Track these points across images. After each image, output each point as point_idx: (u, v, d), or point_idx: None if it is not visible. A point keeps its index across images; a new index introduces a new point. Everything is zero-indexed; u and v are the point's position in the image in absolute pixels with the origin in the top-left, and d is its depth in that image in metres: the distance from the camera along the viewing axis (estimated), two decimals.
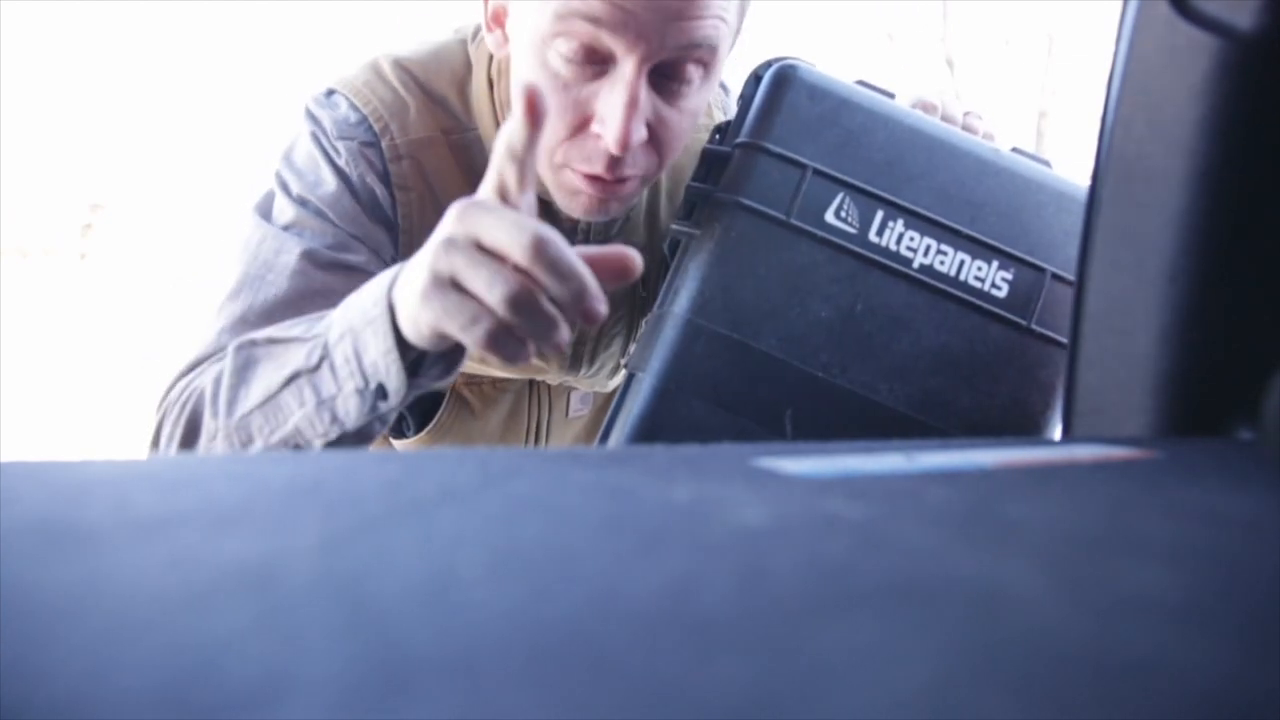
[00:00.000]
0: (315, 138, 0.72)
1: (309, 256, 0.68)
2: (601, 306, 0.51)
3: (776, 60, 0.70)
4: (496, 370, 0.84)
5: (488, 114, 0.75)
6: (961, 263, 0.67)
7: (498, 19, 0.69)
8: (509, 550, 0.21)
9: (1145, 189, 0.51)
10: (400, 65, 0.74)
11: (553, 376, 0.88)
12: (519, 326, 0.50)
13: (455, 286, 0.51)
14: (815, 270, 0.66)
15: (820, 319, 0.66)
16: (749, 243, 0.66)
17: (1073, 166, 0.71)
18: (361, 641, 0.15)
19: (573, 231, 0.79)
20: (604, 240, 0.81)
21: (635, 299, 0.84)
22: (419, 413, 0.88)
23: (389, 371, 0.56)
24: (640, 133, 0.64)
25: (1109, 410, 0.54)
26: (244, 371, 0.62)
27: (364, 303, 0.57)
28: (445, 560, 0.20)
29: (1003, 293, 0.68)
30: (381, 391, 0.57)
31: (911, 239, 0.67)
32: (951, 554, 0.23)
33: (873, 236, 0.67)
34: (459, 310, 0.51)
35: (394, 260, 0.75)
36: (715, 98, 0.87)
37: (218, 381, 0.63)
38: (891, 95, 0.69)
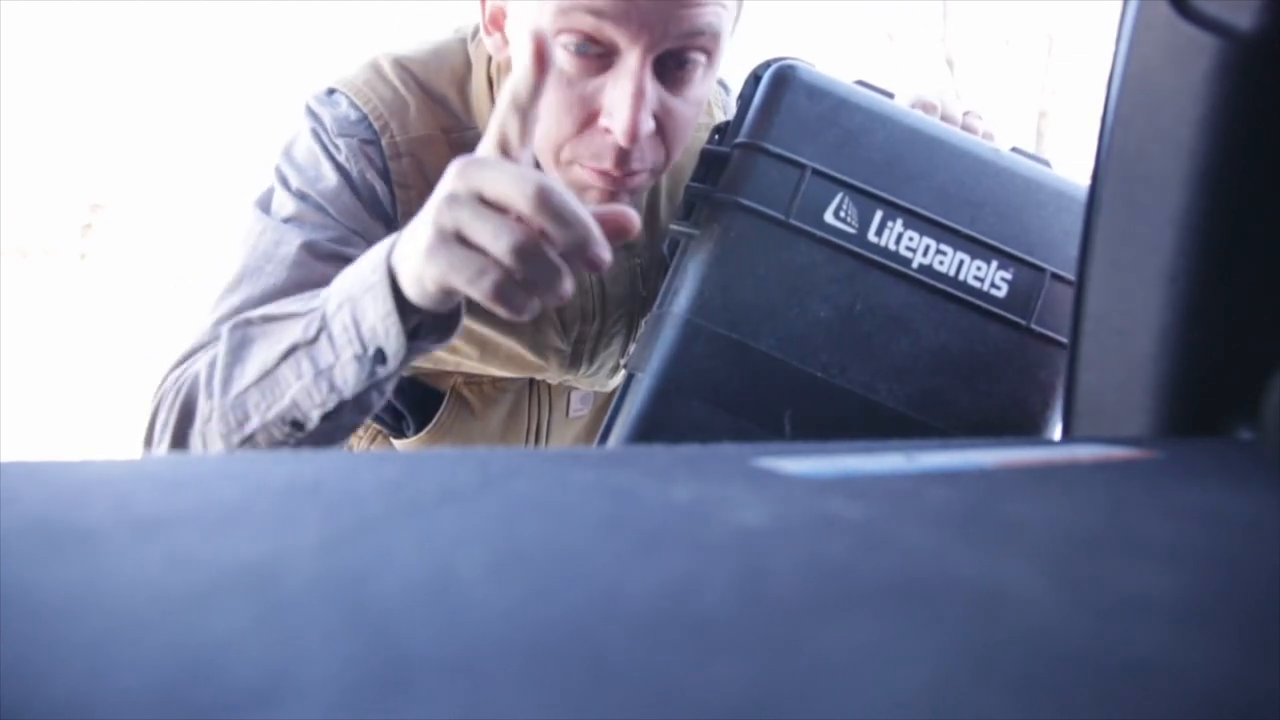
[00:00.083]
0: (316, 134, 0.72)
1: (308, 248, 0.68)
2: (605, 253, 0.51)
3: (775, 60, 0.70)
4: (496, 370, 0.84)
5: (487, 113, 0.75)
6: (961, 262, 0.67)
7: (496, 21, 0.69)
8: (509, 550, 0.21)
9: (1145, 189, 0.51)
10: (400, 64, 0.74)
11: (553, 376, 0.88)
12: (525, 277, 0.51)
13: (460, 240, 0.52)
14: (814, 270, 0.66)
15: (819, 319, 0.66)
16: (748, 243, 0.66)
17: (1073, 166, 0.71)
18: (361, 641, 0.15)
19: None
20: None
21: (636, 298, 0.84)
22: (419, 413, 0.88)
23: (388, 334, 0.56)
24: (648, 124, 0.64)
25: (1109, 410, 0.54)
26: (239, 350, 0.62)
27: (362, 271, 0.58)
28: (445, 560, 0.20)
29: (1002, 292, 0.68)
30: (380, 356, 0.58)
31: (911, 239, 0.67)
32: (951, 554, 0.23)
33: (872, 236, 0.67)
34: (465, 263, 0.51)
35: None
36: (716, 97, 0.87)
37: (212, 363, 0.63)
38: (891, 95, 0.69)
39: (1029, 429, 0.69)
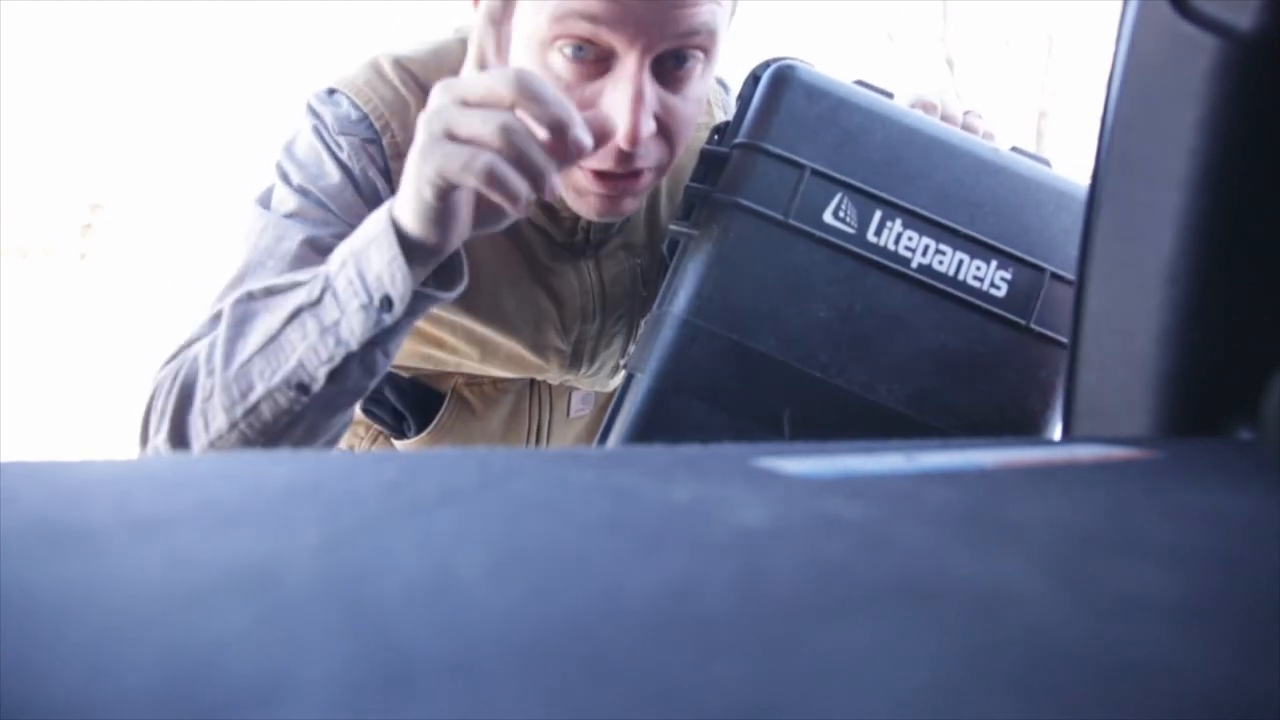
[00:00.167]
0: (317, 131, 0.72)
1: (310, 243, 0.68)
2: (586, 137, 0.55)
3: (775, 60, 0.70)
4: (497, 370, 0.84)
5: None
6: (960, 262, 0.67)
7: None
8: (509, 550, 0.21)
9: (1145, 189, 0.51)
10: (400, 64, 0.74)
11: (553, 376, 0.88)
12: (514, 156, 0.53)
13: (451, 138, 0.55)
14: (813, 270, 0.66)
15: (818, 319, 0.66)
16: (747, 243, 0.66)
17: (1073, 166, 0.71)
18: (361, 641, 0.15)
19: (573, 232, 0.79)
20: (604, 238, 0.81)
21: (636, 298, 0.84)
22: (420, 414, 0.88)
23: (394, 279, 0.58)
24: (649, 125, 0.64)
25: (1109, 410, 0.54)
26: (242, 325, 0.63)
27: (363, 230, 0.60)
28: (445, 560, 0.20)
29: (1002, 292, 0.68)
30: (386, 303, 0.59)
31: (910, 239, 0.67)
32: (951, 554, 0.23)
33: (871, 236, 0.67)
34: (457, 153, 0.54)
35: None
36: (716, 96, 0.87)
37: (213, 341, 0.63)
38: (890, 95, 0.69)
39: (1028, 429, 0.69)
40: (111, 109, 7.50)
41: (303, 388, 0.61)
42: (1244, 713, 0.15)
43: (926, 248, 0.67)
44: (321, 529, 0.21)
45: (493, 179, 0.53)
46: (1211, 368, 0.51)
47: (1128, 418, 0.53)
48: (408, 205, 0.58)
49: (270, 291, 0.63)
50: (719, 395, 0.65)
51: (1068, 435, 0.57)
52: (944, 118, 0.72)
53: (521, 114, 0.54)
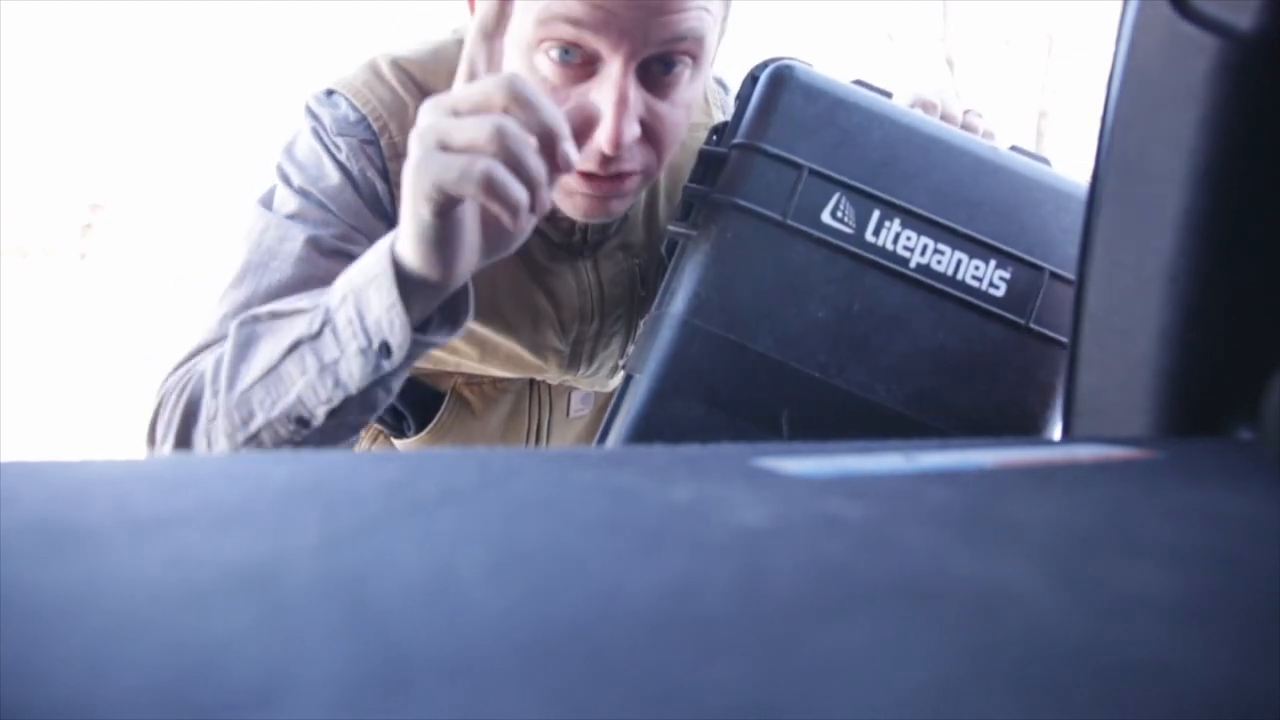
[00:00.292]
0: (316, 133, 0.72)
1: (313, 243, 0.68)
2: (574, 152, 0.54)
3: (773, 60, 0.70)
4: (496, 370, 0.84)
5: None
6: (959, 262, 0.67)
7: None
8: (509, 550, 0.21)
9: (1145, 189, 0.51)
10: (398, 65, 0.74)
11: (552, 376, 0.88)
12: (510, 162, 0.52)
13: (445, 149, 0.53)
14: (812, 271, 0.66)
15: (817, 319, 0.66)
16: (745, 244, 0.66)
17: (1073, 166, 0.71)
18: (361, 641, 0.15)
19: (570, 232, 0.79)
20: (602, 239, 0.81)
21: (634, 299, 0.84)
22: (419, 413, 0.88)
23: (392, 326, 0.56)
24: (633, 130, 0.64)
25: (1109, 410, 0.54)
26: (245, 347, 0.62)
27: (365, 264, 0.59)
28: (445, 560, 0.20)
29: (1000, 292, 0.68)
30: (385, 349, 0.58)
31: (908, 238, 0.67)
32: (951, 554, 0.23)
33: (869, 236, 0.67)
34: (453, 163, 0.52)
35: None
36: (715, 97, 0.87)
37: (219, 360, 0.63)
38: (888, 95, 0.69)
39: (1027, 428, 0.69)
40: (111, 109, 7.50)
41: (302, 421, 0.61)
42: (1244, 713, 0.15)
43: (925, 247, 0.67)
44: (321, 529, 0.21)
45: (491, 186, 0.52)
46: (1211, 368, 0.51)
47: (1128, 418, 0.53)
48: (408, 231, 0.56)
49: (275, 315, 0.62)
50: (717, 396, 0.65)
51: (1068, 435, 0.57)
52: (943, 117, 0.72)
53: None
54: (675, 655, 0.16)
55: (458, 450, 0.36)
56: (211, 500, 0.23)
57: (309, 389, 0.60)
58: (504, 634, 0.16)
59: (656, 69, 0.64)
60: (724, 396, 0.65)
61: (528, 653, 0.15)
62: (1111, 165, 0.53)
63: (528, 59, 0.64)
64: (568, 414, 0.93)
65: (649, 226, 0.83)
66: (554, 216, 0.77)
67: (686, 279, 0.66)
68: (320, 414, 0.60)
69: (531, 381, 0.90)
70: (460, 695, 0.14)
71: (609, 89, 0.62)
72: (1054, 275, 0.68)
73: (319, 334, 0.59)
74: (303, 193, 0.71)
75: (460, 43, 0.77)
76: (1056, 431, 0.68)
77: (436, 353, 0.81)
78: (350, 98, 0.73)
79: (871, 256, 0.66)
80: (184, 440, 0.64)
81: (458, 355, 0.81)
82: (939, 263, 0.67)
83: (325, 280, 0.67)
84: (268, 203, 0.72)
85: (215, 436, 0.63)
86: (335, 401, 0.60)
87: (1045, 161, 0.70)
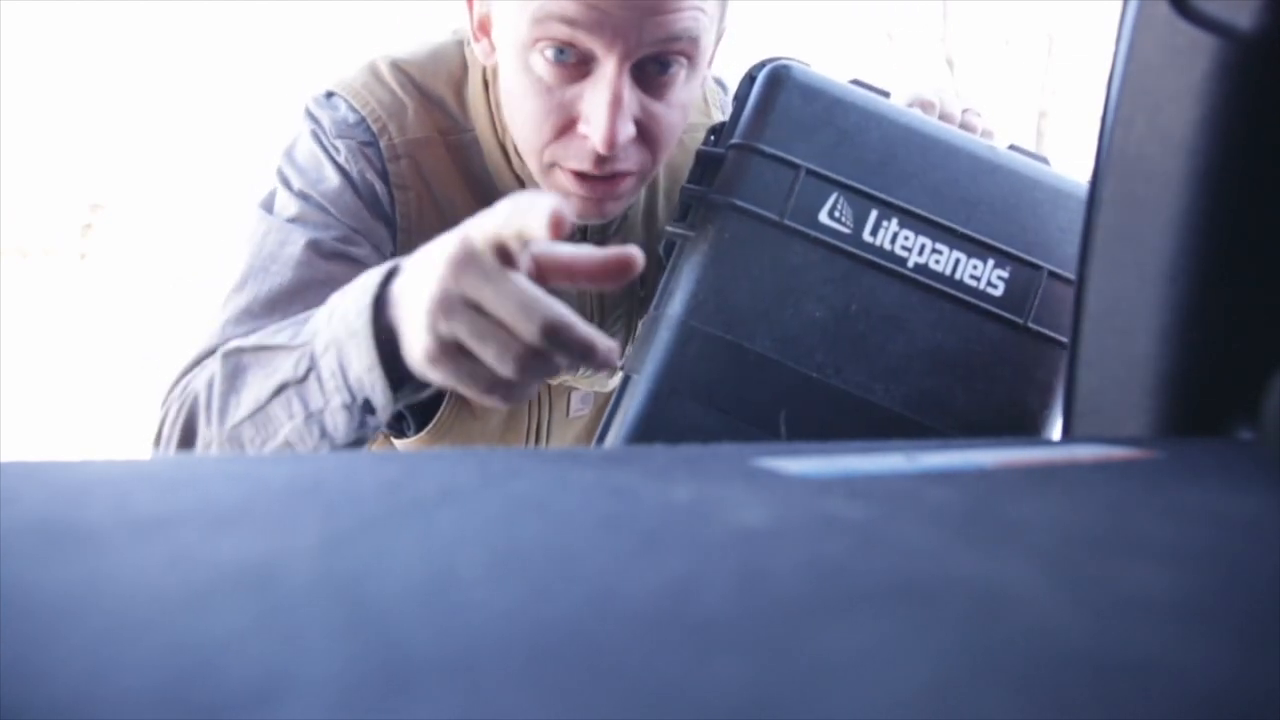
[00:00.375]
0: (315, 135, 0.72)
1: (313, 247, 0.68)
2: (613, 356, 0.49)
3: (770, 60, 0.70)
4: None
5: (484, 115, 0.75)
6: (957, 261, 0.67)
7: (483, 28, 0.69)
8: (509, 550, 0.21)
9: (1145, 189, 0.51)
10: (397, 67, 0.74)
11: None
12: (530, 381, 0.50)
13: (462, 351, 0.50)
14: (809, 271, 0.66)
15: (814, 319, 0.66)
16: (743, 244, 0.66)
17: (1073, 166, 0.71)
18: (361, 641, 0.15)
19: (569, 233, 0.79)
20: (601, 239, 0.81)
21: (634, 299, 0.84)
22: (419, 413, 0.88)
23: (374, 388, 0.55)
24: (627, 130, 0.64)
25: (1109, 410, 0.54)
26: (233, 379, 0.62)
27: (347, 313, 0.56)
28: (445, 560, 0.20)
29: (999, 291, 0.68)
30: (368, 406, 0.57)
31: (906, 238, 0.67)
32: (951, 554, 0.23)
33: (867, 236, 0.66)
34: (471, 376, 0.50)
35: (392, 257, 0.75)
36: (714, 97, 0.87)
37: (210, 388, 0.63)
38: (886, 94, 0.69)
39: (1026, 428, 0.69)
40: (111, 109, 7.50)
41: None
42: (1244, 713, 0.15)
43: (923, 247, 0.67)
44: (321, 529, 0.21)
45: (507, 399, 0.51)
46: (1211, 368, 0.51)
47: (1128, 418, 0.53)
48: (411, 360, 0.52)
49: (260, 348, 0.61)
50: (715, 396, 0.65)
51: (1068, 435, 0.57)
52: (942, 116, 0.72)
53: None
54: (675, 655, 0.16)
55: (458, 450, 0.36)
56: (211, 500, 0.23)
57: (296, 435, 0.59)
58: (504, 634, 0.16)
59: (652, 69, 0.64)
60: (722, 397, 0.65)
61: (527, 652, 0.15)
62: (1111, 165, 0.53)
63: (523, 58, 0.64)
64: (567, 414, 0.93)
65: (649, 227, 0.83)
66: None
67: (684, 280, 0.66)
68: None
69: None
70: (460, 695, 0.14)
71: (603, 89, 0.62)
72: (1052, 274, 0.68)
73: (304, 379, 0.58)
74: (303, 196, 0.71)
75: (459, 44, 0.77)
76: (1056, 431, 0.68)
77: None
78: (350, 99, 0.73)
79: (869, 256, 0.66)
80: None
81: None
82: (937, 262, 0.67)
83: (326, 283, 0.67)
84: (268, 206, 0.72)
85: None
86: (324, 447, 0.60)
87: (1043, 160, 0.70)
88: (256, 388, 0.60)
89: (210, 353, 0.68)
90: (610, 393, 0.92)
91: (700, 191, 0.68)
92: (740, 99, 0.70)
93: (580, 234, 0.79)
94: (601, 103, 0.62)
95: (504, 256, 0.49)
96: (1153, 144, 0.51)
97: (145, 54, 7.55)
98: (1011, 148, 0.70)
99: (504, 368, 0.48)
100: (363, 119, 0.72)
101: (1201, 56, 0.49)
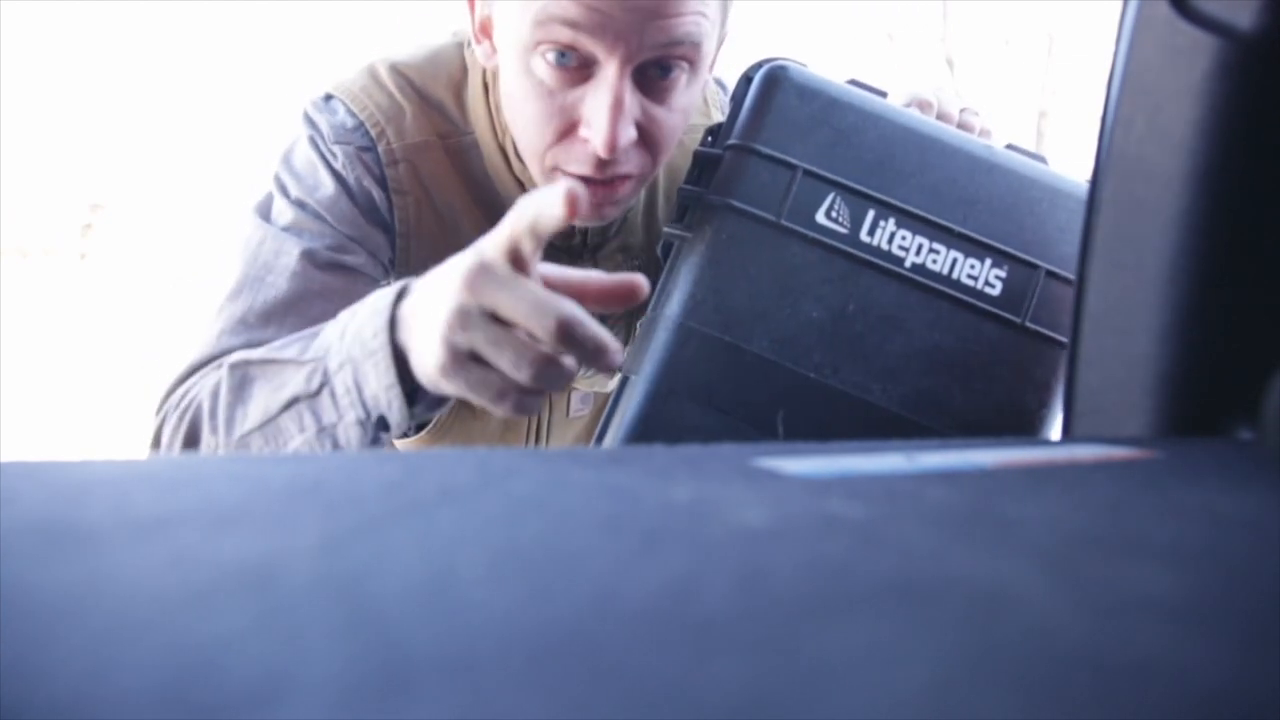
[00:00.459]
0: (313, 141, 0.72)
1: (308, 257, 0.68)
2: (619, 356, 0.50)
3: (767, 61, 0.70)
4: None
5: (484, 118, 0.75)
6: (954, 261, 0.67)
7: (485, 30, 0.69)
8: (509, 550, 0.21)
9: (1145, 189, 0.51)
10: (397, 70, 0.74)
11: None
12: (544, 387, 0.50)
13: (476, 359, 0.50)
14: (807, 271, 0.66)
15: (812, 320, 0.66)
16: (740, 245, 0.66)
17: (1073, 166, 0.71)
18: (361, 641, 0.15)
19: (569, 235, 0.79)
20: (601, 241, 0.81)
21: None
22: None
23: (391, 406, 0.55)
24: (628, 134, 0.64)
25: (1109, 410, 0.54)
26: (240, 391, 0.62)
27: (363, 332, 0.56)
28: (445, 560, 0.20)
29: (996, 291, 0.68)
30: (383, 423, 0.57)
31: (903, 238, 0.67)
32: (951, 554, 0.23)
33: (864, 236, 0.66)
34: (485, 385, 0.50)
35: (391, 263, 0.75)
36: (714, 97, 0.87)
37: (215, 398, 0.63)
38: (883, 94, 0.69)
39: (1024, 428, 0.69)
40: (111, 109, 7.50)
41: None
42: (1244, 713, 0.15)
43: (920, 247, 0.67)
44: (321, 529, 0.21)
45: (521, 409, 0.51)
46: (1211, 368, 0.51)
47: (1128, 418, 0.53)
48: (423, 375, 0.53)
49: (268, 361, 0.61)
50: (713, 397, 0.65)
51: (1068, 435, 0.57)
52: (940, 115, 0.72)
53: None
54: (675, 655, 0.16)
55: (457, 450, 0.36)
56: (211, 500, 0.23)
57: (307, 448, 0.59)
58: (504, 634, 0.16)
59: (653, 73, 0.64)
60: (719, 397, 0.65)
61: (528, 652, 0.15)
62: (1111, 165, 0.53)
63: (524, 61, 0.64)
64: (567, 414, 0.94)
65: (648, 228, 0.83)
66: None
67: (682, 281, 0.66)
68: None
69: None
70: (460, 695, 0.14)
71: (604, 92, 0.62)
72: (1050, 274, 0.68)
73: (317, 393, 0.58)
74: (299, 203, 0.71)
75: (459, 46, 0.77)
76: (1056, 431, 0.68)
77: None
78: (348, 103, 0.73)
79: (866, 256, 0.66)
80: None
81: None
82: (934, 262, 0.67)
83: (321, 294, 0.67)
84: (265, 213, 0.72)
85: None
86: None
87: (1041, 160, 0.70)
88: (265, 400, 0.60)
89: (206, 362, 0.67)
90: (609, 393, 0.93)
91: (697, 192, 0.68)
92: (737, 100, 0.70)
93: (580, 236, 0.79)
94: (603, 106, 0.62)
95: (517, 263, 0.50)
96: (1153, 144, 0.51)
97: (145, 54, 7.54)
98: (1009, 147, 0.70)
99: (519, 373, 0.49)
100: (361, 124, 0.72)
101: (1201, 56, 0.49)
